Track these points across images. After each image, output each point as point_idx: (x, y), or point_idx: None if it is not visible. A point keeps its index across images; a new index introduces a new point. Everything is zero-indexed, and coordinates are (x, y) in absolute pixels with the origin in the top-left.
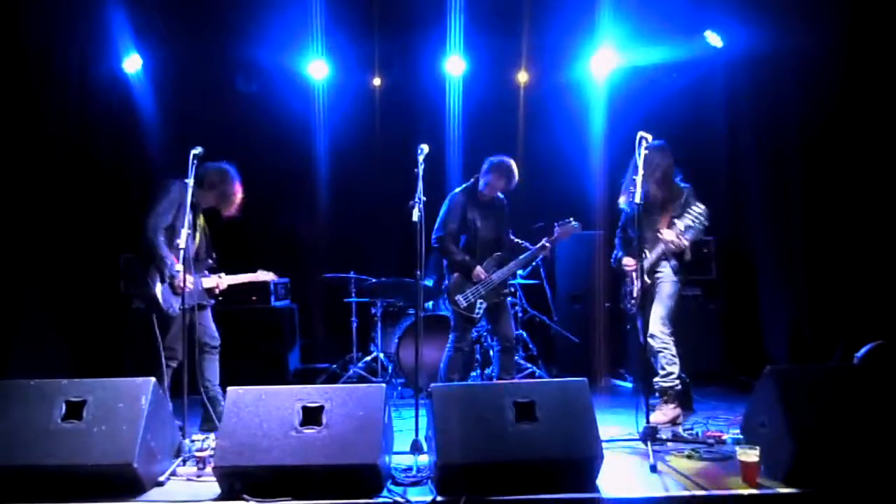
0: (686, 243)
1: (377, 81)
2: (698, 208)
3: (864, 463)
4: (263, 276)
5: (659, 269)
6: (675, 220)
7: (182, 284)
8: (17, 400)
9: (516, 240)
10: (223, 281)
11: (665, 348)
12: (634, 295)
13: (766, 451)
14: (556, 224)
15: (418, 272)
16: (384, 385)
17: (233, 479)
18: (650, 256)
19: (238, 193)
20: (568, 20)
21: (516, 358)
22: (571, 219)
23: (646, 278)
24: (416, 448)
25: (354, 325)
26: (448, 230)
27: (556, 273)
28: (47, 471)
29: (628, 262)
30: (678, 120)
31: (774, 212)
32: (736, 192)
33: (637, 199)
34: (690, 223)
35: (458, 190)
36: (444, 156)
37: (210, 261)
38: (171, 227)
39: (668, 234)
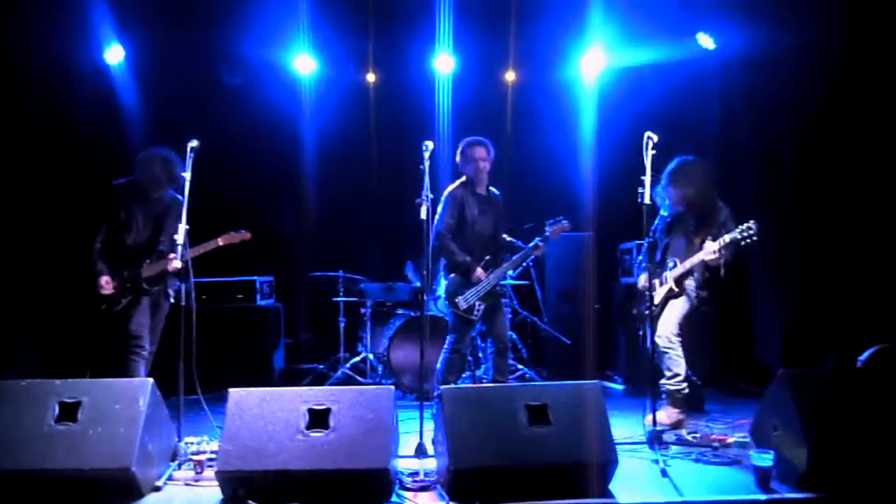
0: (723, 259)
1: (370, 77)
2: (749, 227)
3: (879, 466)
4: (230, 238)
5: (685, 282)
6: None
7: (106, 288)
8: (8, 401)
9: (509, 239)
10: (173, 262)
11: (670, 349)
12: (655, 302)
13: (778, 456)
14: (547, 223)
15: (425, 272)
16: (393, 387)
17: (237, 484)
18: (679, 267)
19: (162, 172)
20: (558, 20)
21: None
22: (562, 217)
23: (673, 286)
24: (420, 452)
25: (342, 324)
26: (447, 225)
27: (546, 274)
28: (41, 475)
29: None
30: (669, 121)
31: (767, 214)
32: (728, 195)
33: (646, 200)
34: (738, 237)
35: (453, 186)
36: (433, 154)
37: (161, 248)
38: (116, 228)
39: (710, 245)
